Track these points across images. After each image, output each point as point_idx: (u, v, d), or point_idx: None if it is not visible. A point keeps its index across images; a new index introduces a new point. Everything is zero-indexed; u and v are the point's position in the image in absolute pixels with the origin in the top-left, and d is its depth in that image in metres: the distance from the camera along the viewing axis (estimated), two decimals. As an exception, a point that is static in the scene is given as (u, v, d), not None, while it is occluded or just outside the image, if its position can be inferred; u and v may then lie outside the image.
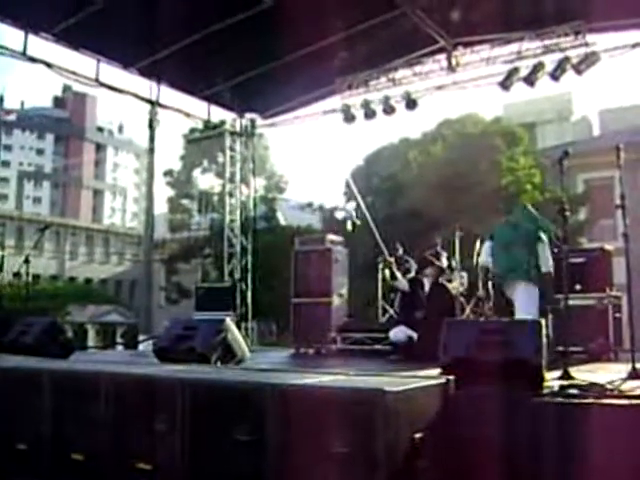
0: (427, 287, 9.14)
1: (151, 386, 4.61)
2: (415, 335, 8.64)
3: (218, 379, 4.77)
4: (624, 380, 4.90)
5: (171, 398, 4.32)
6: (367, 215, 10.63)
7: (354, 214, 10.89)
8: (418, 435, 3.72)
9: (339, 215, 10.13)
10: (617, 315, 8.73)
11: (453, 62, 12.27)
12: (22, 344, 7.65)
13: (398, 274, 10.14)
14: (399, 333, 8.94)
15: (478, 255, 9.24)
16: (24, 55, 11.04)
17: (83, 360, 7.57)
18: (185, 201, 35.97)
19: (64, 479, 4.78)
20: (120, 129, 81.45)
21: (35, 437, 5.03)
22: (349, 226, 11.42)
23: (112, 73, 12.54)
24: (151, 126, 14.66)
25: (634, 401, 4.09)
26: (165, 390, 4.44)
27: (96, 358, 9.01)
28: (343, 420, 3.61)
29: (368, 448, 3.48)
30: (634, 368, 5.15)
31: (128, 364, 7.01)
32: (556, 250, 8.06)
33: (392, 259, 10.32)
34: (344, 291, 11.13)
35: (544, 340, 4.66)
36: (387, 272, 10.58)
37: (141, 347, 13.32)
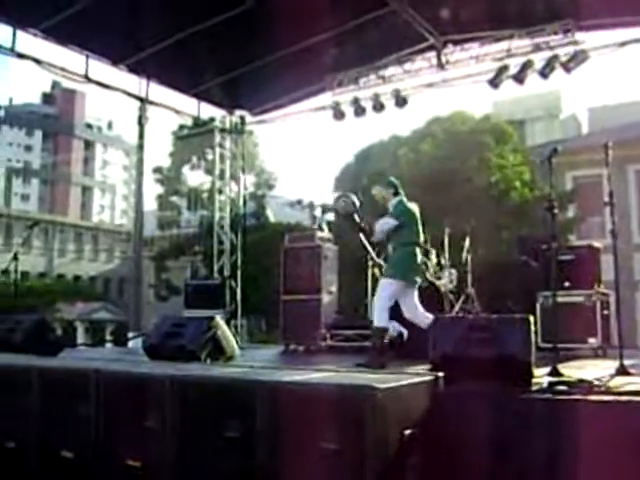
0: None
1: (141, 383, 4.60)
2: (406, 332, 8.66)
3: (208, 376, 4.76)
4: (612, 377, 4.94)
5: (161, 395, 4.32)
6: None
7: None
8: (407, 432, 3.73)
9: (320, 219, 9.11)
10: (605, 312, 8.78)
11: (443, 60, 12.28)
12: (11, 342, 7.63)
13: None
14: (390, 328, 8.95)
15: None
16: (12, 51, 10.97)
17: (72, 358, 7.56)
18: (174, 198, 35.87)
19: (54, 477, 4.77)
20: (109, 126, 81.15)
21: (24, 435, 5.01)
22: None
23: (101, 69, 12.49)
24: (140, 123, 14.62)
25: (621, 397, 4.12)
26: (155, 387, 4.44)
27: (85, 355, 8.97)
28: (333, 417, 3.61)
29: (358, 445, 3.48)
30: (622, 365, 5.18)
31: (117, 361, 7.00)
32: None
33: (381, 260, 10.37)
34: (334, 288, 11.13)
35: (533, 337, 4.69)
36: (377, 271, 10.61)
37: (130, 344, 13.28)
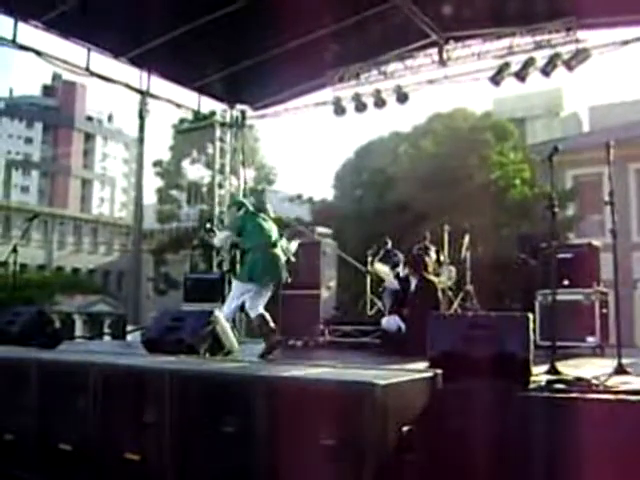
0: (413, 284, 9.14)
1: (140, 377, 4.60)
2: (404, 327, 8.68)
3: (207, 371, 4.77)
4: (610, 375, 4.94)
5: (160, 389, 4.32)
6: None
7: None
8: (406, 428, 3.73)
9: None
10: (604, 311, 8.78)
11: (444, 56, 12.28)
12: (9, 334, 7.63)
13: (385, 269, 10.21)
14: (391, 321, 8.96)
15: None
16: (14, 43, 10.96)
17: (71, 350, 7.56)
18: (174, 192, 35.83)
19: (52, 469, 4.78)
20: (109, 119, 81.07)
21: (22, 427, 5.02)
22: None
23: (103, 62, 12.48)
24: (141, 116, 14.62)
25: (619, 396, 4.13)
26: (154, 381, 4.44)
27: (84, 348, 8.98)
28: (331, 413, 3.62)
29: (356, 441, 3.49)
30: (620, 364, 5.19)
31: (116, 355, 7.00)
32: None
33: (373, 267, 10.53)
34: (332, 284, 11.13)
35: (531, 335, 4.69)
36: (377, 267, 10.65)
37: (129, 338, 13.28)
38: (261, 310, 7.76)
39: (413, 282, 9.08)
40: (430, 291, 8.93)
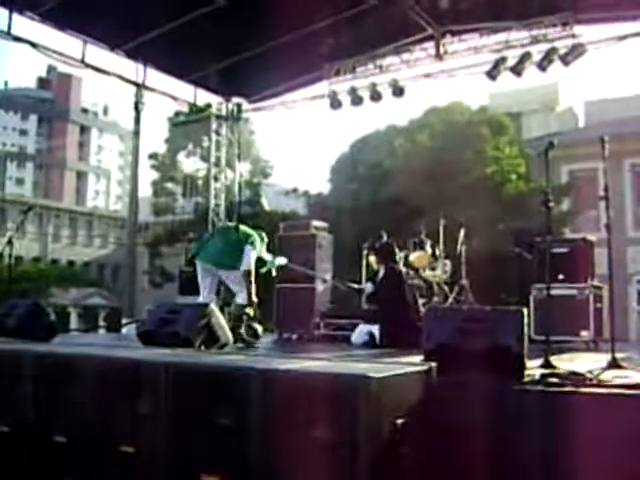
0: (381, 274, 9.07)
1: (135, 369, 4.60)
2: (376, 329, 8.52)
3: (202, 363, 4.77)
4: (604, 370, 4.95)
5: (155, 382, 4.32)
6: None
7: None
8: (401, 421, 3.74)
9: None
10: (598, 305, 8.82)
11: (441, 50, 12.28)
12: (4, 326, 7.61)
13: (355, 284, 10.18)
14: (359, 337, 8.88)
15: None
16: (9, 34, 10.93)
17: (66, 343, 7.55)
18: (170, 184, 35.77)
19: (46, 462, 4.78)
20: (105, 111, 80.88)
21: (17, 420, 5.01)
22: None
23: (98, 54, 12.46)
24: (137, 108, 14.59)
25: (613, 390, 4.15)
26: (149, 374, 4.44)
27: (79, 341, 8.97)
28: (326, 406, 3.62)
29: (351, 433, 3.50)
30: (614, 358, 5.20)
31: (111, 347, 7.01)
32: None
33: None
34: (328, 277, 11.15)
35: (526, 329, 4.71)
36: (372, 258, 10.61)
37: (124, 330, 13.29)
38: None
39: (381, 273, 9.01)
40: (394, 279, 8.79)
